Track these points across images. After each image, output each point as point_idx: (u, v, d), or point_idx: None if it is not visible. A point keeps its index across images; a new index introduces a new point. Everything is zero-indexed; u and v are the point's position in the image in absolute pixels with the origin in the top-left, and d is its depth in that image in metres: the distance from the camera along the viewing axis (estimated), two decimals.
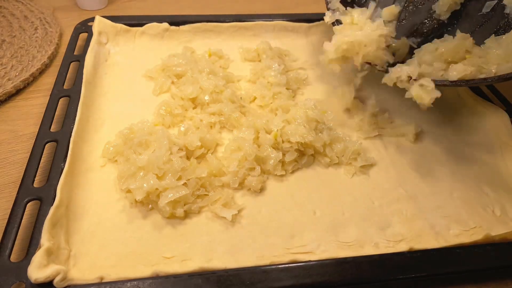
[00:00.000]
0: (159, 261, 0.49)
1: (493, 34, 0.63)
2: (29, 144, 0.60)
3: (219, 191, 0.56)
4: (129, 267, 0.48)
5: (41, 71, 0.78)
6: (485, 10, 0.68)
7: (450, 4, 0.70)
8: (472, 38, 0.64)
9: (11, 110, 0.70)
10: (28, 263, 0.44)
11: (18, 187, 0.53)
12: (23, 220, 0.50)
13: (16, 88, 0.73)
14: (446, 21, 0.72)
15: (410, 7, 0.75)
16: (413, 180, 0.61)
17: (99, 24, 0.80)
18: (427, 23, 0.73)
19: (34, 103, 0.72)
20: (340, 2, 0.73)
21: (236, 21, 0.87)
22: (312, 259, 0.49)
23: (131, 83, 0.74)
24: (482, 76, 0.57)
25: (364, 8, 0.73)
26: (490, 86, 0.78)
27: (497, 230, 0.53)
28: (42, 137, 0.60)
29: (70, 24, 0.87)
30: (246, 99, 0.72)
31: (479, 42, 0.64)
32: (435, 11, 0.72)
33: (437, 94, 0.56)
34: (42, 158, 0.57)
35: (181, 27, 0.85)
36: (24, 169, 0.55)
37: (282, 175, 0.60)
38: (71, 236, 0.50)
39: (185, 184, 0.54)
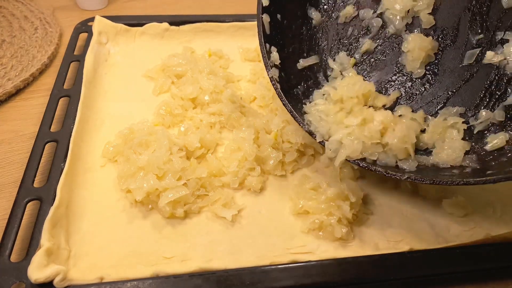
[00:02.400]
0: (159, 261, 0.49)
1: (484, 93, 0.52)
2: (29, 144, 0.60)
3: (219, 191, 0.56)
4: (129, 267, 0.48)
5: (41, 71, 0.78)
6: (467, 61, 0.54)
7: (423, 57, 0.56)
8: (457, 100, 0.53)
9: (11, 110, 0.70)
10: (28, 263, 0.44)
11: (18, 187, 0.53)
12: (23, 220, 0.50)
13: (16, 88, 0.73)
14: (420, 79, 0.57)
15: (371, 59, 0.60)
16: None
17: (99, 24, 0.80)
18: (396, 81, 0.58)
19: (34, 103, 0.72)
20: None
21: (236, 21, 0.87)
22: (312, 259, 0.49)
23: (131, 83, 0.74)
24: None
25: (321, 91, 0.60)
26: None
27: (497, 230, 0.53)
28: (42, 137, 0.60)
29: (70, 24, 0.87)
30: (246, 99, 0.72)
31: (468, 103, 0.53)
32: (404, 65, 0.58)
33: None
34: (42, 158, 0.57)
35: (181, 27, 0.85)
36: (24, 169, 0.55)
37: (282, 175, 0.60)
38: (71, 236, 0.50)
39: (185, 184, 0.54)
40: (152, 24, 0.84)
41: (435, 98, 0.56)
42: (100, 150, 0.60)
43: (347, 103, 0.55)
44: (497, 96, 0.51)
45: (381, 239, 0.53)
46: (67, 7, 0.99)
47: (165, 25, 0.84)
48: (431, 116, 0.55)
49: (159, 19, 0.85)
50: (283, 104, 0.55)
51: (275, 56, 0.58)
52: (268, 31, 0.58)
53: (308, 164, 0.62)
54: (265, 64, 0.57)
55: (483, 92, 0.52)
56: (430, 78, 0.57)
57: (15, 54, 0.80)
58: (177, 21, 0.86)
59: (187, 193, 0.53)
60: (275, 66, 0.58)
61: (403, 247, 0.52)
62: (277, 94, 0.55)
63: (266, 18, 0.58)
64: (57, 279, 0.44)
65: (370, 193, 0.59)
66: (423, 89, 0.57)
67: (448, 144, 0.51)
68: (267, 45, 0.58)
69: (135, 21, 0.85)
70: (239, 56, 0.83)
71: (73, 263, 0.48)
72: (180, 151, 0.58)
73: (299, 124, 0.54)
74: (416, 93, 0.57)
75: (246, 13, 0.94)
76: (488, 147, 0.50)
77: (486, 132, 0.52)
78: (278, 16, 0.60)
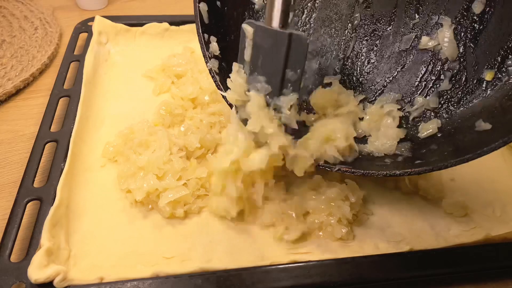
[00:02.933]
0: (159, 261, 0.49)
1: (420, 79, 0.51)
2: (29, 144, 0.60)
3: None
4: (129, 267, 0.48)
5: (41, 71, 0.78)
6: (404, 46, 0.54)
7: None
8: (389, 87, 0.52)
9: (11, 110, 0.70)
10: (28, 263, 0.44)
11: (18, 187, 0.53)
12: (23, 220, 0.50)
13: (16, 88, 0.73)
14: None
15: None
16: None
17: (99, 24, 0.80)
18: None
19: (34, 103, 0.72)
20: None
21: None
22: (312, 259, 0.49)
23: (131, 83, 0.74)
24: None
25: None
26: None
27: (497, 230, 0.53)
28: (42, 137, 0.60)
29: (70, 24, 0.87)
30: None
31: (404, 89, 0.53)
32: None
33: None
34: (42, 158, 0.57)
35: (181, 27, 0.85)
36: (24, 169, 0.55)
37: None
38: (71, 236, 0.50)
39: (185, 184, 0.54)
40: (152, 24, 0.84)
41: (373, 85, 0.55)
42: (100, 150, 0.60)
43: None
44: (431, 83, 0.52)
45: (381, 239, 0.53)
46: (67, 7, 0.99)
47: (165, 25, 0.84)
48: (369, 103, 0.55)
49: (159, 19, 0.85)
50: (223, 97, 0.53)
51: (214, 46, 0.55)
52: (206, 21, 0.56)
53: None
54: (203, 55, 0.54)
55: (419, 78, 0.52)
56: (369, 65, 0.57)
57: (15, 54, 0.80)
58: (177, 21, 0.86)
59: (187, 193, 0.53)
60: (215, 57, 0.55)
61: (403, 247, 0.51)
62: (216, 86, 0.53)
63: (203, 6, 0.55)
64: (57, 279, 0.44)
65: (370, 193, 0.59)
66: (365, 75, 0.57)
67: (383, 132, 0.51)
68: (205, 36, 0.55)
69: (135, 21, 0.85)
70: None
71: (73, 263, 0.48)
72: (180, 151, 0.58)
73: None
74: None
75: None
76: (421, 134, 0.50)
77: (421, 118, 0.52)
78: (218, 3, 0.57)
